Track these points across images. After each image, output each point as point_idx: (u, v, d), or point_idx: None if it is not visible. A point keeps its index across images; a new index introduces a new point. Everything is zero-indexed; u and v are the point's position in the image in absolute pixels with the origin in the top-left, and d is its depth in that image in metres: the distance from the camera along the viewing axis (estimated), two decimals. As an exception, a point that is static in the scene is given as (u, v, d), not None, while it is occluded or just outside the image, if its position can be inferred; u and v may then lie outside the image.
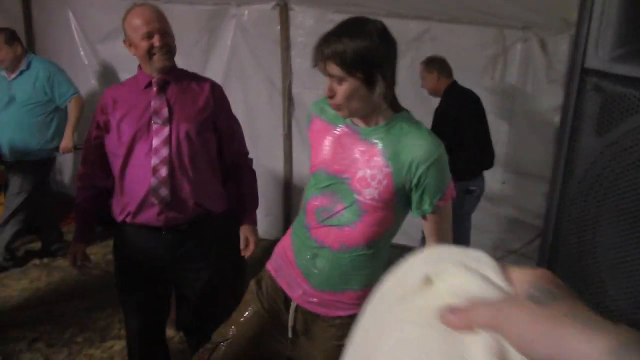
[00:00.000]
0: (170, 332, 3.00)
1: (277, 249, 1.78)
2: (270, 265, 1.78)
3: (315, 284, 1.62)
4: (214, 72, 4.27)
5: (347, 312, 1.61)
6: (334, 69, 1.40)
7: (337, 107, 1.49)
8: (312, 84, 4.10)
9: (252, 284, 1.78)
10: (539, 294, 0.41)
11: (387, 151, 1.48)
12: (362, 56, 1.38)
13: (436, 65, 3.48)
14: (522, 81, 3.63)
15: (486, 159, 3.55)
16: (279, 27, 4.03)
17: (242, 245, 2.22)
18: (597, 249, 1.35)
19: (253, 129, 4.28)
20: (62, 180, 5.11)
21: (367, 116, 1.51)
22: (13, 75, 3.72)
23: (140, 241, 2.08)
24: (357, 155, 1.52)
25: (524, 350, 0.39)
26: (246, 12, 4.09)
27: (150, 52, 1.98)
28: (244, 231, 2.23)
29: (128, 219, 2.05)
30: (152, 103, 2.01)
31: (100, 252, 3.98)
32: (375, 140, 1.51)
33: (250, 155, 3.69)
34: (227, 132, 2.21)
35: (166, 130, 1.99)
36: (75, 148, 3.84)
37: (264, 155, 4.26)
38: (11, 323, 3.16)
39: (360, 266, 1.58)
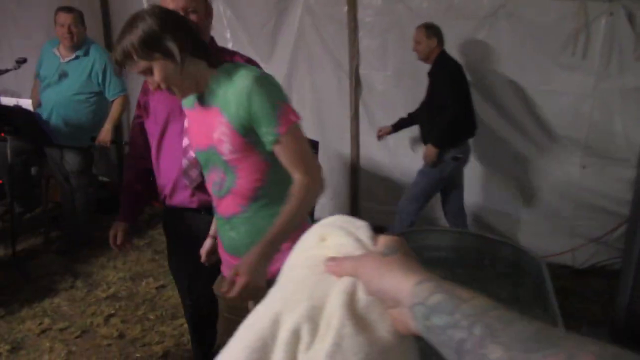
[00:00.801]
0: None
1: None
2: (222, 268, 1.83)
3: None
4: (281, 54, 4.28)
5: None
6: (138, 65, 1.45)
7: (172, 93, 1.52)
8: (379, 65, 4.03)
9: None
10: (387, 251, 0.60)
11: (220, 105, 1.52)
12: (146, 39, 1.43)
13: (437, 32, 3.50)
14: (606, 58, 3.39)
15: (471, 127, 3.60)
16: (346, 8, 3.96)
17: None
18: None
19: (320, 111, 4.26)
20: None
21: (198, 85, 1.55)
22: (68, 58, 3.70)
23: (182, 222, 2.07)
24: (208, 123, 1.57)
25: (367, 286, 0.58)
26: (313, -7, 4.06)
27: None
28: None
29: (167, 201, 2.05)
30: None
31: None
32: (210, 103, 1.56)
33: (317, 138, 3.69)
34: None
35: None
36: (113, 142, 3.85)
37: (331, 137, 4.23)
38: (89, 297, 3.34)
39: (267, 215, 1.59)
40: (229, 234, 1.67)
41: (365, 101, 4.14)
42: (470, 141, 3.64)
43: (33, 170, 4.36)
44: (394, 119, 4.07)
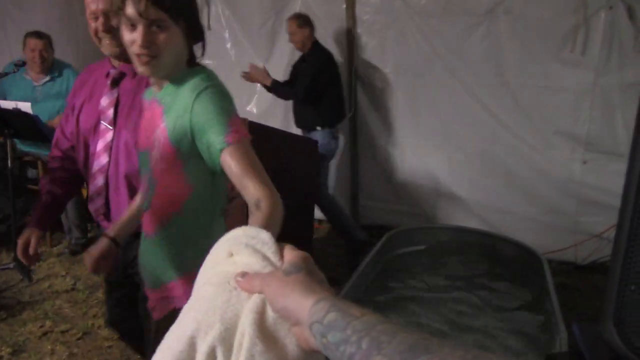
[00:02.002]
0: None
1: None
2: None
3: (148, 284, 1.46)
4: (280, 54, 4.27)
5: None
6: (156, 12, 1.23)
7: (148, 62, 1.27)
8: (378, 63, 4.01)
9: None
10: (291, 269, 0.62)
11: (165, 106, 1.33)
12: (186, 3, 1.29)
13: (308, 21, 3.71)
14: (605, 53, 3.37)
15: (342, 111, 3.93)
16: (344, 6, 3.95)
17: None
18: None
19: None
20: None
21: (167, 76, 1.34)
22: (42, 80, 3.76)
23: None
24: (152, 123, 1.37)
25: (272, 306, 0.61)
26: (311, -9, 4.05)
27: (97, 36, 1.68)
28: None
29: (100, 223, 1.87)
30: (102, 99, 1.74)
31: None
32: (161, 101, 1.36)
33: (317, 137, 3.69)
34: None
35: (110, 134, 1.72)
36: None
37: (331, 137, 4.23)
38: (90, 299, 3.34)
39: (171, 253, 1.39)
40: (147, 257, 1.47)
41: (365, 99, 4.13)
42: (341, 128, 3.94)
43: (30, 173, 4.37)
44: (393, 117, 4.07)
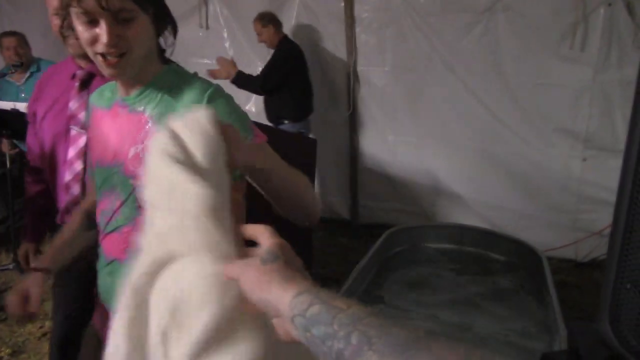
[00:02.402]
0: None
1: None
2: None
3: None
4: (278, 52, 4.27)
5: None
6: (120, 1, 1.02)
7: (116, 63, 1.07)
8: (377, 61, 4.01)
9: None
10: (268, 257, 0.62)
11: (156, 112, 1.14)
12: None
13: (271, 19, 3.83)
14: (605, 50, 3.36)
15: (309, 104, 4.03)
16: (342, 4, 3.94)
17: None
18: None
19: (318, 108, 4.25)
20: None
21: (141, 75, 1.14)
22: (23, 78, 3.78)
23: None
24: (127, 132, 1.16)
25: (251, 295, 0.61)
26: (310, -11, 4.04)
27: (62, 34, 1.51)
28: None
29: (59, 219, 1.77)
30: (71, 103, 1.65)
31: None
32: (140, 107, 1.16)
33: (315, 136, 3.68)
34: None
35: (83, 139, 1.60)
36: None
37: (330, 135, 4.22)
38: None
39: None
40: (106, 277, 1.25)
41: (364, 97, 4.13)
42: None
43: None
44: (392, 115, 4.06)
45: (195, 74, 1.22)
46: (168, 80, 1.16)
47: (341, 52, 4.07)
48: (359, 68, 4.07)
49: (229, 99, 1.16)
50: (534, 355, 1.58)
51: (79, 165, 1.64)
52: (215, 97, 1.12)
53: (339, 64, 4.10)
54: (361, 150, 4.26)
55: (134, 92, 1.16)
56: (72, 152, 1.63)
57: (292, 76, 3.85)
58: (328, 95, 4.23)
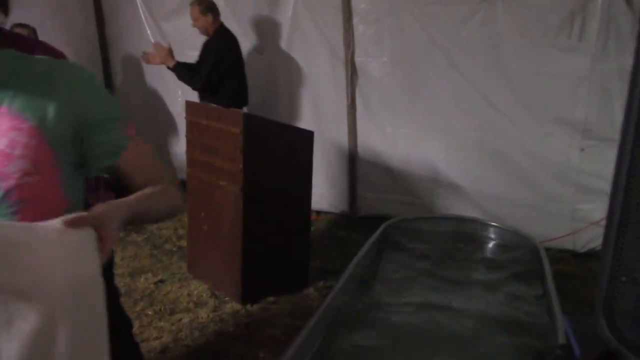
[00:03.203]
0: (236, 305, 3.07)
1: None
2: None
3: None
4: (275, 43, 4.25)
5: None
6: None
7: None
8: (375, 52, 3.99)
9: None
10: None
11: (14, 103, 0.99)
12: None
13: (210, 7, 3.82)
14: (603, 39, 3.35)
15: (243, 98, 4.04)
16: (340, -5, 3.92)
17: None
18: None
19: (316, 100, 4.24)
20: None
21: None
22: None
23: None
24: None
25: None
26: (307, -20, 4.02)
27: None
28: None
29: None
30: None
31: (172, 227, 4.10)
32: None
33: (313, 127, 3.67)
34: None
35: None
36: None
37: (328, 127, 4.21)
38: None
39: None
40: None
41: (362, 89, 4.11)
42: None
43: None
44: (391, 107, 4.05)
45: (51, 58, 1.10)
46: (10, 65, 1.02)
47: (339, 43, 4.05)
48: (357, 59, 4.05)
49: (105, 91, 1.11)
50: (530, 348, 1.59)
51: None
52: (95, 90, 1.08)
53: (336, 55, 4.08)
54: (359, 142, 4.25)
55: None
56: None
57: (230, 71, 3.88)
58: (325, 87, 4.21)
